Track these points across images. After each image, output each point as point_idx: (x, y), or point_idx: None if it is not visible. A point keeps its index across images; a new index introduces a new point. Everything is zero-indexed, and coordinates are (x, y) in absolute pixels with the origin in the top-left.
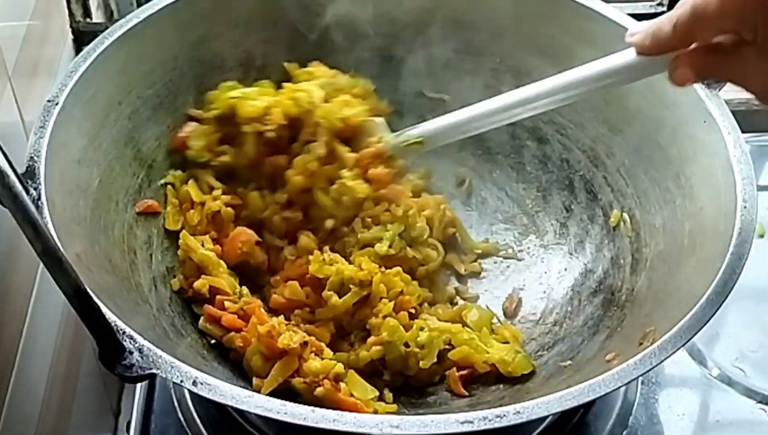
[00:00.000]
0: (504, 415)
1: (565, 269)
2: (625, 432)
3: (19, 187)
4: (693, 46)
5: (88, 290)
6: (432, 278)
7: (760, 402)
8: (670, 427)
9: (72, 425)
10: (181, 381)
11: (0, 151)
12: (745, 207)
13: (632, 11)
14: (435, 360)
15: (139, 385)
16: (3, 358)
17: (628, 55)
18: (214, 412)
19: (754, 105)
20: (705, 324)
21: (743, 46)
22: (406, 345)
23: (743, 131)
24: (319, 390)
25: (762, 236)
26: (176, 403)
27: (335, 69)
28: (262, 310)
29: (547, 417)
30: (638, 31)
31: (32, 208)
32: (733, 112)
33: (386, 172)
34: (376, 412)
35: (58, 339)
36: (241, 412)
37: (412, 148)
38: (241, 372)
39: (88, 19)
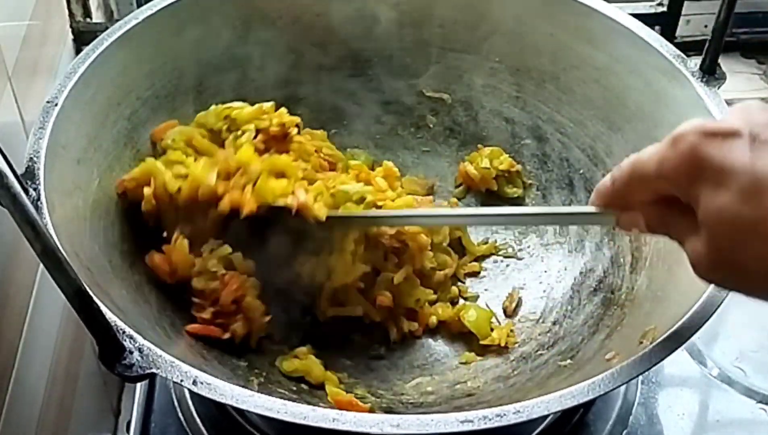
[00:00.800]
0: (504, 414)
1: (565, 268)
2: (625, 432)
3: (18, 187)
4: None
5: (88, 290)
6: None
7: (760, 402)
8: (670, 426)
9: (72, 425)
10: (181, 380)
11: None
12: None
13: (632, 11)
14: None
15: (139, 384)
16: (3, 358)
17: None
18: (214, 411)
19: None
20: (705, 322)
21: (685, 214)
22: None
23: None
24: None
25: None
26: (176, 403)
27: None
28: None
29: (547, 416)
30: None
31: (31, 208)
32: None
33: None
34: None
35: (58, 339)
36: (241, 412)
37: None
38: (241, 371)
39: (88, 19)
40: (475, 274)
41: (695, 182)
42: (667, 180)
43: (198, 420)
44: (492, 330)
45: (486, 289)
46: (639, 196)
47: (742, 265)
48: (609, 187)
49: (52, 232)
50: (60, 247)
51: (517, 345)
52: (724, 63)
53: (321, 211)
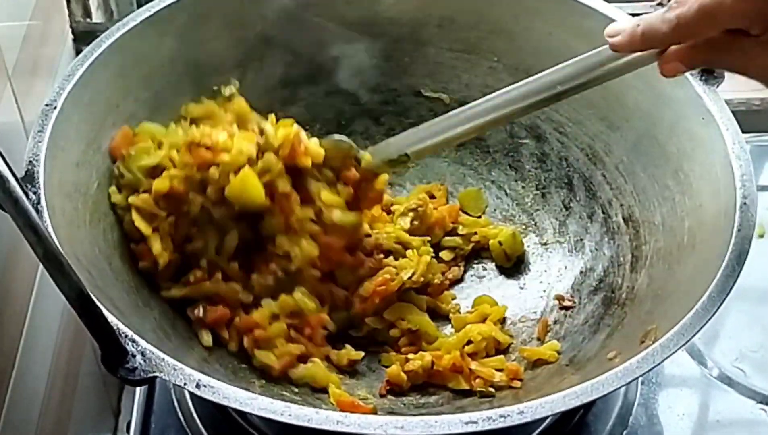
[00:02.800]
0: (508, 415)
1: (565, 267)
2: (625, 432)
3: (19, 191)
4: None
5: (90, 294)
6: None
7: (760, 402)
8: (670, 427)
9: (72, 425)
10: (184, 384)
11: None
12: (744, 203)
13: (632, 11)
14: None
15: None
16: (3, 358)
17: (605, 52)
18: (215, 412)
19: (754, 105)
20: (707, 321)
21: (743, 40)
22: None
23: (743, 131)
24: None
25: (762, 236)
26: (176, 403)
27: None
28: None
29: (547, 417)
30: (621, 31)
31: (33, 212)
32: (733, 112)
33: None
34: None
35: (58, 339)
36: (241, 413)
37: (398, 167)
38: (242, 373)
39: (88, 19)
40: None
41: None
42: (745, 17)
43: (198, 420)
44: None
45: (487, 290)
46: (702, 35)
47: None
48: (666, 30)
49: (52, 235)
50: (61, 251)
51: (519, 345)
52: None
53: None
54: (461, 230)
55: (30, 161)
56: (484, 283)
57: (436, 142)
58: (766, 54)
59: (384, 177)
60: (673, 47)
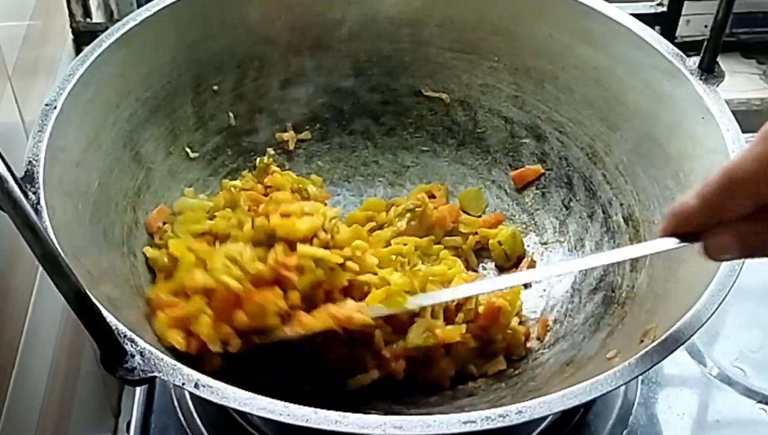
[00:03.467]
0: (506, 415)
1: None
2: (625, 432)
3: (17, 191)
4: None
5: (89, 294)
6: None
7: (760, 402)
8: (670, 426)
9: (72, 425)
10: (183, 384)
11: None
12: None
13: (632, 11)
14: None
15: None
16: (3, 358)
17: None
18: (215, 412)
19: (754, 105)
20: (707, 320)
21: None
22: None
23: (743, 131)
24: None
25: None
26: (176, 403)
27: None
28: None
29: (547, 416)
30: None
31: (32, 212)
32: (733, 112)
33: None
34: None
35: (58, 339)
36: (241, 413)
37: None
38: (241, 373)
39: (88, 19)
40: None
41: None
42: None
43: (198, 420)
44: None
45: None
46: (737, 207)
47: None
48: (696, 205)
49: (52, 235)
50: (60, 251)
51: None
52: (724, 63)
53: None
54: (462, 229)
55: (30, 161)
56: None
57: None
58: None
59: None
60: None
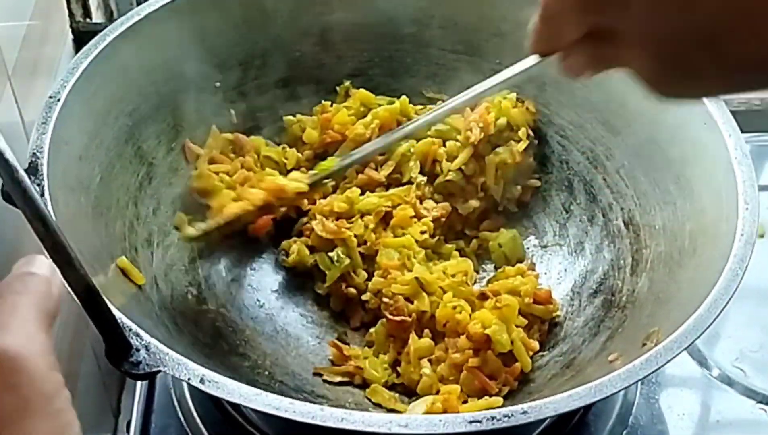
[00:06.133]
0: (512, 415)
1: (565, 270)
2: (625, 432)
3: (28, 182)
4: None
5: (97, 287)
6: None
7: (760, 402)
8: (670, 427)
9: None
10: (189, 378)
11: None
12: (746, 208)
13: None
14: None
15: (139, 384)
16: None
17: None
18: (215, 411)
19: (755, 105)
20: (710, 325)
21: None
22: None
23: (743, 131)
24: None
25: (762, 236)
26: (176, 403)
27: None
28: None
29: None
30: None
31: (41, 203)
32: (733, 113)
33: None
34: None
35: (58, 339)
36: (241, 412)
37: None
38: (244, 370)
39: (88, 19)
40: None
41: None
42: (584, 12)
43: (198, 420)
44: None
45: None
46: (567, 34)
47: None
48: (540, 27)
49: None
50: (69, 244)
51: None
52: None
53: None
54: (467, 232)
55: (33, 153)
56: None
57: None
58: (634, 49)
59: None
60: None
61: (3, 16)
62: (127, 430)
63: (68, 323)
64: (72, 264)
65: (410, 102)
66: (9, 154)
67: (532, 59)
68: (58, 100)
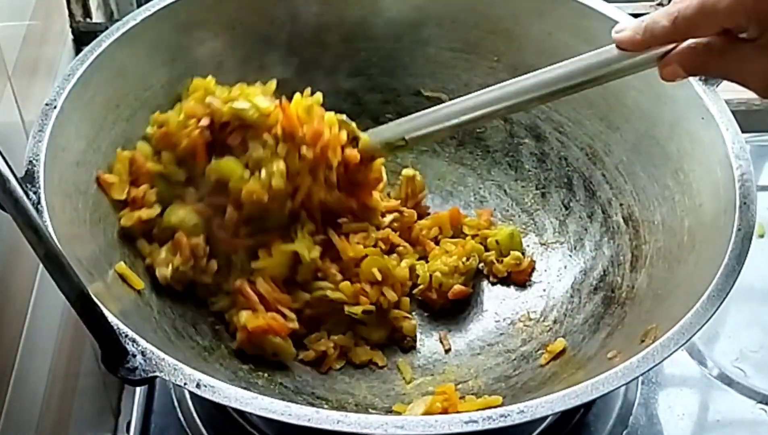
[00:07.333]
0: (508, 415)
1: (565, 267)
2: (625, 432)
3: (20, 191)
4: (686, 43)
5: (91, 294)
6: None
7: (760, 402)
8: (670, 427)
9: (72, 425)
10: (185, 383)
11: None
12: (744, 203)
13: (632, 11)
14: None
15: None
16: (3, 358)
17: (611, 51)
18: (215, 412)
19: (754, 105)
20: (708, 320)
21: (739, 44)
22: None
23: (743, 131)
24: None
25: (762, 236)
26: (176, 403)
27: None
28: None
29: (547, 417)
30: (627, 27)
31: (34, 212)
32: (733, 112)
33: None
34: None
35: (58, 339)
36: (241, 412)
37: (396, 151)
38: (242, 373)
39: (88, 19)
40: None
41: None
42: (742, 15)
43: (198, 420)
44: None
45: (488, 289)
46: (700, 34)
47: None
48: (666, 25)
49: (53, 235)
50: (62, 252)
51: (519, 345)
52: None
53: None
54: (466, 230)
55: (30, 161)
56: (483, 284)
57: (435, 130)
58: (761, 59)
59: (380, 162)
60: (674, 51)
61: (3, 16)
62: (127, 431)
63: (68, 323)
64: (65, 272)
65: (409, 100)
66: (1, 165)
67: (616, 53)
68: (55, 106)
